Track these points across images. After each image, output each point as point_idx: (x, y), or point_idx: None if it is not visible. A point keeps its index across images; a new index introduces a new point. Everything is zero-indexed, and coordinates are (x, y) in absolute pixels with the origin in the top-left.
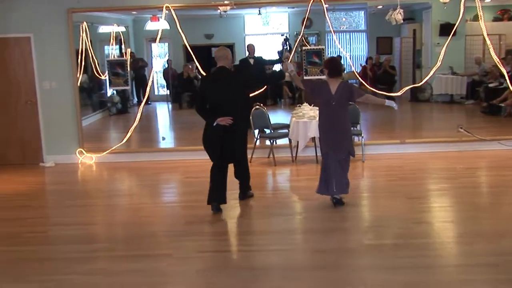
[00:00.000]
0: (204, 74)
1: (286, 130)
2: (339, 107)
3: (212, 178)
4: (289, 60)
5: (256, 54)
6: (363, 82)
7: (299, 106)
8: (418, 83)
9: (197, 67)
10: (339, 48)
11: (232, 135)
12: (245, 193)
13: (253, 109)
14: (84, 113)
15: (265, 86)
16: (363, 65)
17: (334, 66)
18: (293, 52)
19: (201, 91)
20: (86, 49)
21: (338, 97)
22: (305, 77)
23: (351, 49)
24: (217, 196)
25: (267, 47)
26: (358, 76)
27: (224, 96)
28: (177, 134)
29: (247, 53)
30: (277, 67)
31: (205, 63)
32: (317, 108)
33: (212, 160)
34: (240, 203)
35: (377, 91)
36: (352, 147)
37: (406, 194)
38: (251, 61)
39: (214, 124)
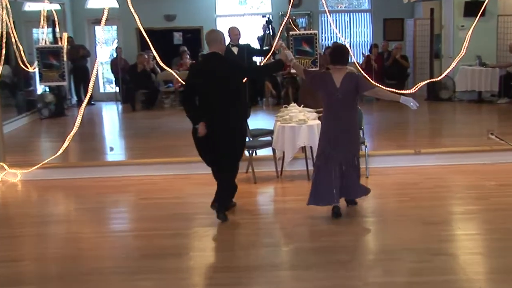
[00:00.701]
0: (164, 66)
1: (269, 138)
2: (345, 102)
3: (215, 177)
4: (282, 47)
5: (240, 41)
6: (366, 76)
7: (286, 107)
8: (437, 77)
9: (154, 58)
10: (336, 33)
11: (220, 136)
12: (221, 205)
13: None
14: (6, 116)
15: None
16: (366, 54)
17: (339, 52)
18: (277, 39)
19: (189, 79)
20: (7, 33)
21: (344, 90)
22: (292, 70)
23: (351, 34)
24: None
25: (245, 32)
26: (360, 68)
27: (213, 89)
28: (129, 144)
29: (227, 40)
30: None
31: (166, 52)
32: (309, 109)
33: (206, 164)
34: (209, 226)
35: (384, 88)
36: (358, 152)
37: (422, 218)
38: (234, 50)
39: (196, 126)
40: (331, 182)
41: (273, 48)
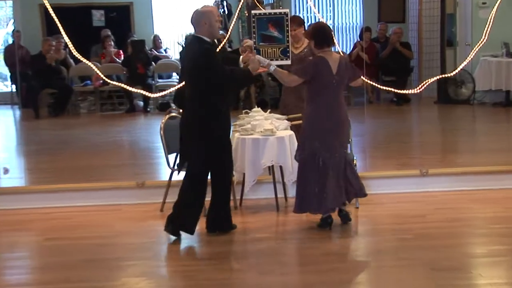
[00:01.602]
0: (80, 56)
1: None
2: (339, 91)
3: None
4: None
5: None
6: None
7: (246, 112)
8: (451, 71)
9: (66, 45)
10: (315, 13)
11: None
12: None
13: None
14: None
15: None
16: (356, 41)
17: (324, 31)
18: (233, 20)
19: None
20: None
21: (339, 78)
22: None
23: (335, 14)
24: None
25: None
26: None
27: (184, 80)
28: (31, 163)
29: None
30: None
31: (83, 37)
32: (278, 116)
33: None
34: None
35: (379, 86)
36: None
37: (431, 262)
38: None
39: None
40: (325, 185)
41: (228, 34)
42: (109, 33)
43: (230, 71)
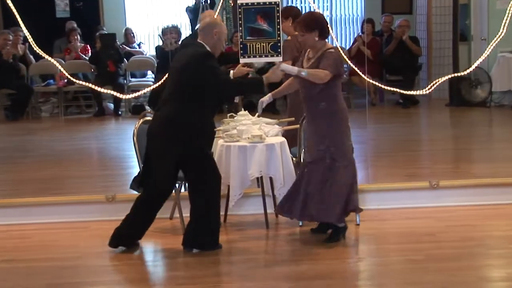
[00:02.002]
0: (41, 52)
1: None
2: None
3: None
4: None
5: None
6: (355, 69)
7: (232, 116)
8: (464, 70)
9: (26, 39)
10: (310, 4)
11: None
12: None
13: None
14: None
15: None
16: (357, 35)
17: (326, 22)
18: (217, 11)
19: None
20: None
21: None
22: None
23: (333, 5)
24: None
25: (167, 2)
26: (346, 57)
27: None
28: None
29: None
30: None
31: (45, 29)
32: (267, 120)
33: None
34: None
35: (383, 86)
36: None
37: (442, 287)
38: None
39: None
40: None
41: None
42: (75, 25)
43: (238, 84)
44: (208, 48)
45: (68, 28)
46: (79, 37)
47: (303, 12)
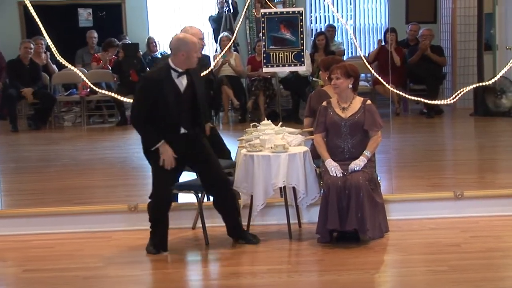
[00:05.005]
0: (62, 60)
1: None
2: None
3: None
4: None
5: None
6: (379, 77)
7: (255, 126)
8: (489, 79)
9: (48, 48)
10: (334, 13)
11: None
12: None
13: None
14: None
15: None
16: (378, 46)
17: (359, 75)
18: (239, 21)
19: None
20: None
21: None
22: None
23: (357, 14)
24: None
25: (191, 11)
26: (369, 65)
27: None
28: (7, 184)
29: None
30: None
31: (68, 38)
32: (291, 130)
33: None
34: None
35: (407, 95)
36: None
37: None
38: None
39: None
40: None
41: (234, 36)
42: (95, 34)
43: (138, 123)
44: (178, 68)
45: (88, 36)
46: (95, 44)
47: (325, 21)
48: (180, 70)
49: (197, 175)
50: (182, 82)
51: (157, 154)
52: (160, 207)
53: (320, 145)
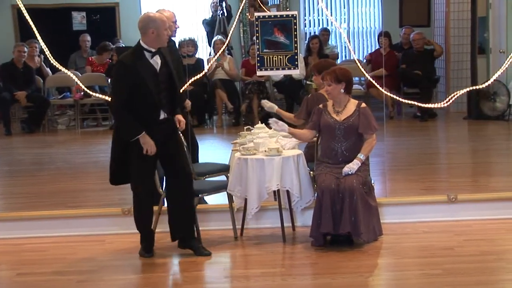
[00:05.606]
0: (56, 63)
1: (222, 178)
2: None
3: None
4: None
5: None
6: (373, 81)
7: (248, 129)
8: (482, 83)
9: (42, 51)
10: (327, 15)
11: None
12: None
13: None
14: None
15: None
16: (372, 50)
17: (352, 78)
18: (233, 24)
19: None
20: None
21: None
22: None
23: (350, 18)
24: None
25: (184, 15)
26: (362, 69)
27: None
28: (2, 187)
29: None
30: None
31: (60, 41)
32: (284, 133)
33: None
34: None
35: (401, 99)
36: None
37: None
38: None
39: None
40: None
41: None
42: (88, 38)
43: (124, 114)
44: (149, 48)
45: (80, 39)
46: (87, 47)
47: (318, 24)
48: (153, 50)
49: (162, 166)
50: (157, 62)
51: (136, 146)
52: (145, 198)
53: (297, 130)
